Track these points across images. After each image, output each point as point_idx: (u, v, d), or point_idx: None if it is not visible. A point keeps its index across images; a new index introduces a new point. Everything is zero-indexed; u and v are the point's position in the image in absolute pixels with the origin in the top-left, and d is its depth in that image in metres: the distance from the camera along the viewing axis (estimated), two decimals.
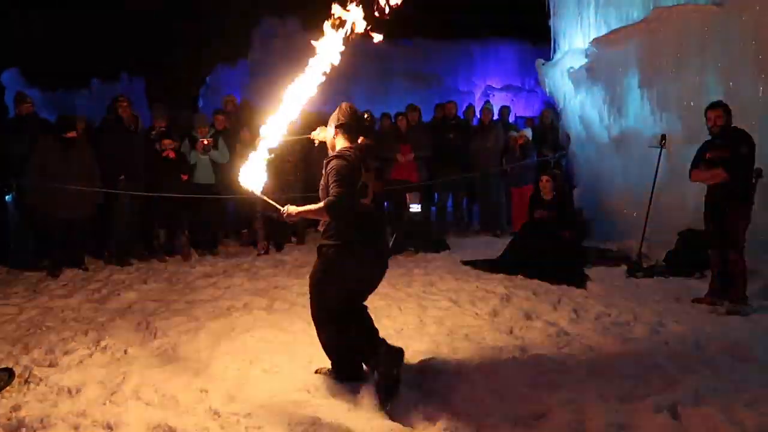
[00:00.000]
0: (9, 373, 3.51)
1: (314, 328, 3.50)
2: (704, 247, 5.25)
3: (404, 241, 7.37)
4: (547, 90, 9.79)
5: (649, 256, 6.45)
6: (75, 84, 16.42)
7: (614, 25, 8.12)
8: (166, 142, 7.00)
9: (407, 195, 7.70)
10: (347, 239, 3.27)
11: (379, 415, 3.08)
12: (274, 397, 3.29)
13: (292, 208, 3.41)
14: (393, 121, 8.66)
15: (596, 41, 8.04)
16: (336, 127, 3.42)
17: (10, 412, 3.10)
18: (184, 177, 7.09)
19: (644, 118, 7.22)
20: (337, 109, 3.47)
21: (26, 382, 3.47)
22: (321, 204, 3.23)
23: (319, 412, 3.08)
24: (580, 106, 8.59)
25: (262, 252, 7.39)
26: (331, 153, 3.40)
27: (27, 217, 6.59)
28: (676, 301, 5.19)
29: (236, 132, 7.66)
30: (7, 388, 3.38)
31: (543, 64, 9.80)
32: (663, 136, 6.34)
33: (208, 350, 4.02)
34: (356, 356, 3.45)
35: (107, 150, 6.75)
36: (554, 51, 9.74)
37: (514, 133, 8.82)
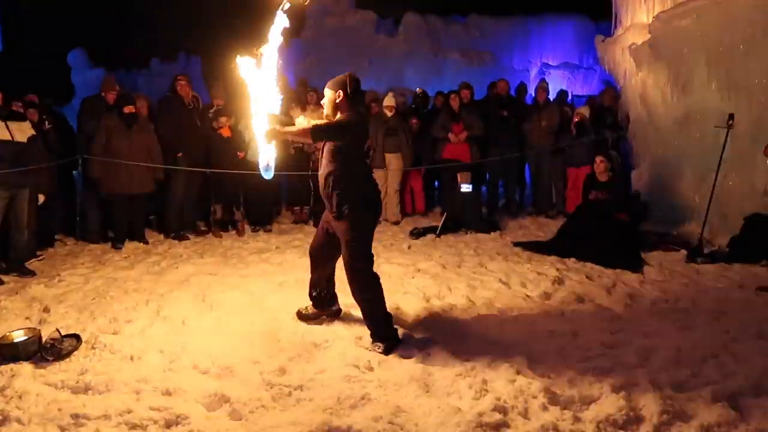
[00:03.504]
0: (76, 339, 3.73)
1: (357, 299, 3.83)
2: None
3: (455, 221, 7.33)
4: (606, 68, 9.43)
5: (712, 242, 6.19)
6: (136, 64, 16.98)
7: None
8: (222, 119, 7.16)
9: (458, 174, 7.61)
10: (363, 194, 3.71)
11: (426, 393, 3.11)
12: (325, 372, 3.37)
13: (278, 127, 3.70)
14: (445, 99, 8.56)
15: (661, 16, 7.67)
16: (345, 95, 3.67)
17: (78, 375, 3.29)
18: (240, 155, 7.23)
19: (711, 98, 6.86)
20: (341, 78, 3.71)
21: (92, 347, 3.67)
22: (307, 125, 3.68)
23: (368, 388, 3.14)
24: (642, 84, 8.25)
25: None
26: (331, 117, 3.73)
27: (92, 193, 6.90)
28: (740, 288, 4.96)
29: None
30: (75, 353, 3.59)
31: (603, 41, 9.43)
32: (731, 116, 6.02)
33: (262, 324, 4.14)
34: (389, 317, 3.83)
35: (167, 128, 6.96)
36: (615, 27, 9.36)
37: (569, 111, 8.55)
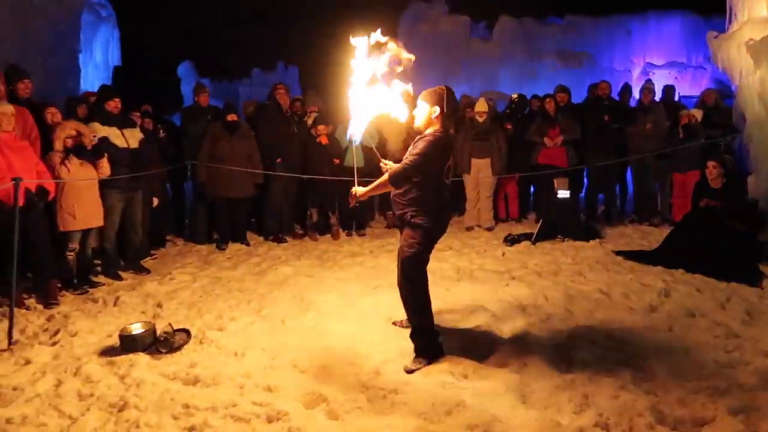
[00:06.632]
0: (187, 334, 3.97)
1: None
2: None
3: (551, 229, 7.10)
4: (719, 66, 8.79)
5: None
6: (238, 74, 17.96)
7: None
8: (321, 127, 7.37)
9: (555, 180, 7.37)
10: (435, 207, 3.58)
11: (523, 404, 3.03)
12: (420, 376, 3.37)
13: (360, 189, 3.75)
14: (541, 103, 8.33)
15: None
16: (442, 111, 3.56)
17: (188, 368, 3.51)
18: (336, 161, 7.42)
19: None
20: (440, 92, 3.61)
21: (200, 342, 3.90)
22: (384, 177, 3.65)
23: (463, 395, 3.11)
24: (760, 83, 7.62)
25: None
26: (421, 129, 3.64)
27: (199, 196, 7.34)
28: None
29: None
30: (185, 346, 3.83)
31: (715, 37, 8.80)
32: None
33: (357, 326, 4.22)
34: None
35: (266, 134, 7.27)
36: (729, 21, 8.71)
37: (678, 110, 8.03)
